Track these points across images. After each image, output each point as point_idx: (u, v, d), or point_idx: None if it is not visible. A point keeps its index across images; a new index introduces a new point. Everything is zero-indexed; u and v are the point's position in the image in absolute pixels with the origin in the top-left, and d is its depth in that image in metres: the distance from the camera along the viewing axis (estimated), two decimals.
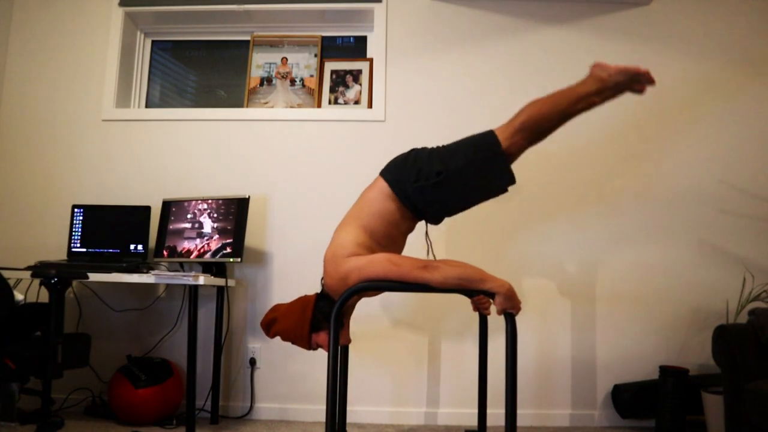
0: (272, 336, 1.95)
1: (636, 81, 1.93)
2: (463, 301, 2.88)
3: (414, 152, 1.93)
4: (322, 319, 1.90)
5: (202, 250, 2.73)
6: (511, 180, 1.90)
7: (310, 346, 1.94)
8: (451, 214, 1.98)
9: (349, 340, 2.14)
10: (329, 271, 1.87)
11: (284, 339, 1.94)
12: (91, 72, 3.17)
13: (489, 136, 1.88)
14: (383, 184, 1.91)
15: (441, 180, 1.83)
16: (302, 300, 1.95)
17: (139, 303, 2.97)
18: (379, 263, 1.79)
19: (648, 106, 3.00)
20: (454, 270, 1.78)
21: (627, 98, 3.02)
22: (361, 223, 1.88)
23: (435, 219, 1.99)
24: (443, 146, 1.93)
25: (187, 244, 2.77)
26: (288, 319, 1.91)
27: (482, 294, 1.78)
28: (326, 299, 1.92)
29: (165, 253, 2.80)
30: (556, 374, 2.85)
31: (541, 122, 1.87)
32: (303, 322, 1.89)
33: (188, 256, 2.75)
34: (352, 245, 1.85)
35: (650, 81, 1.93)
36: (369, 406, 2.85)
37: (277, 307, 1.97)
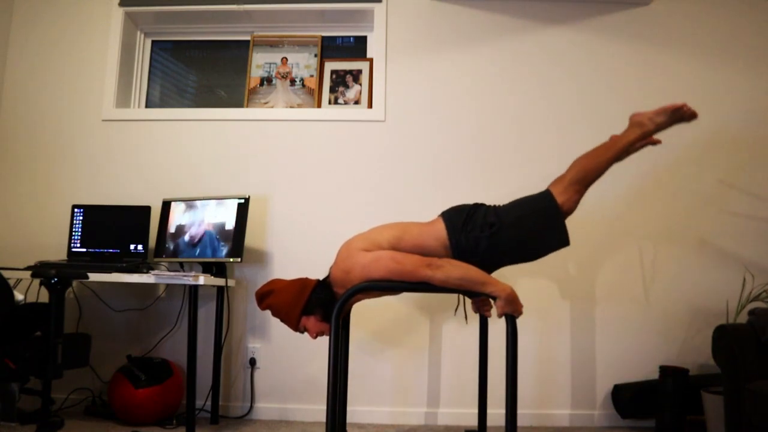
0: (263, 308, 1.97)
1: (678, 117, 2.02)
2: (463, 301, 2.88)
3: (478, 206, 1.96)
4: (316, 305, 1.92)
5: (200, 243, 2.73)
6: (566, 240, 1.92)
7: (297, 327, 1.95)
8: (495, 268, 1.97)
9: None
10: (338, 260, 1.91)
11: (274, 314, 1.96)
12: (91, 72, 3.17)
13: (546, 193, 1.95)
14: (441, 227, 1.91)
15: (493, 232, 1.85)
16: (302, 281, 1.96)
17: (139, 303, 2.97)
18: (383, 262, 1.81)
19: (647, 105, 3.00)
20: (456, 270, 1.79)
21: (626, 98, 3.02)
22: (399, 244, 1.89)
23: (484, 267, 1.96)
24: (505, 204, 1.97)
25: (188, 239, 2.77)
26: (283, 295, 1.93)
27: (483, 296, 1.78)
28: (326, 288, 1.94)
29: (166, 249, 2.80)
30: (556, 374, 2.85)
31: (590, 175, 1.96)
32: (297, 302, 1.91)
33: (187, 247, 2.75)
34: (372, 244, 1.87)
35: (692, 115, 2.01)
36: (369, 406, 2.85)
37: (275, 281, 1.99)
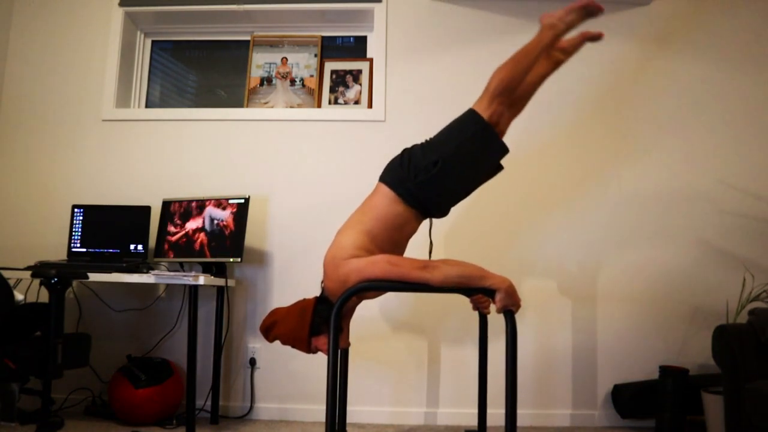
0: (271, 340, 1.95)
1: (588, 14, 2.04)
2: (463, 301, 2.87)
3: (407, 151, 1.95)
4: (321, 323, 1.89)
5: (199, 243, 2.73)
6: (503, 148, 1.94)
7: (309, 349, 1.93)
8: (457, 201, 2.00)
9: (349, 344, 2.13)
10: (329, 274, 1.87)
11: (284, 343, 1.93)
12: (91, 72, 3.17)
13: (470, 113, 1.93)
14: (385, 189, 1.91)
15: (439, 169, 1.84)
16: (301, 304, 1.94)
17: (139, 303, 2.97)
18: (379, 264, 1.79)
19: (647, 105, 3.00)
20: (454, 269, 1.78)
21: (626, 98, 3.02)
22: (364, 227, 1.89)
23: (442, 211, 1.99)
24: (432, 138, 1.96)
25: (188, 239, 2.77)
26: (287, 322, 1.91)
27: (482, 292, 1.78)
28: (326, 303, 1.92)
29: (166, 249, 2.80)
30: (556, 374, 2.85)
31: (512, 83, 1.93)
32: (302, 325, 1.89)
33: (187, 247, 2.75)
34: (353, 248, 1.85)
35: (598, 8, 2.03)
36: (369, 406, 2.85)
37: (275, 312, 1.96)
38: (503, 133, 2.00)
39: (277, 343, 2.90)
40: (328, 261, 1.88)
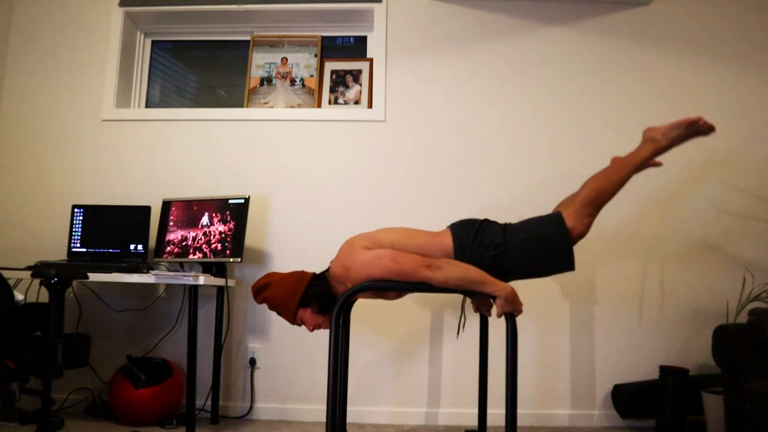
0: (259, 301, 1.96)
1: (693, 131, 1.93)
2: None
3: (486, 223, 1.94)
4: (312, 297, 1.92)
5: (199, 243, 2.73)
6: (571, 265, 1.88)
7: (294, 320, 1.95)
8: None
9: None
10: (340, 255, 1.91)
11: (270, 308, 1.95)
12: (91, 72, 3.17)
13: (556, 217, 1.89)
14: (449, 240, 1.90)
15: (498, 253, 1.83)
16: (299, 273, 1.96)
17: (139, 303, 2.97)
18: (383, 261, 1.80)
19: (647, 105, 3.00)
20: (456, 270, 1.79)
21: (626, 98, 3.02)
22: (402, 247, 1.88)
23: None
24: (515, 223, 1.93)
25: (188, 239, 2.77)
26: (280, 287, 1.92)
27: (483, 296, 1.78)
28: (323, 281, 1.94)
29: (166, 249, 2.80)
30: (555, 374, 2.85)
31: (603, 195, 1.90)
32: (294, 294, 1.90)
33: (187, 249, 2.75)
34: (374, 243, 1.87)
35: (709, 128, 1.92)
36: (369, 406, 2.84)
37: (271, 275, 1.98)
38: (581, 238, 1.91)
39: (277, 342, 2.89)
40: (347, 243, 1.91)
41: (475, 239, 1.87)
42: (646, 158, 1.95)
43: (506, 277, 1.91)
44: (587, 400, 2.83)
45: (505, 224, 1.94)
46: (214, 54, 3.41)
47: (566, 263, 1.87)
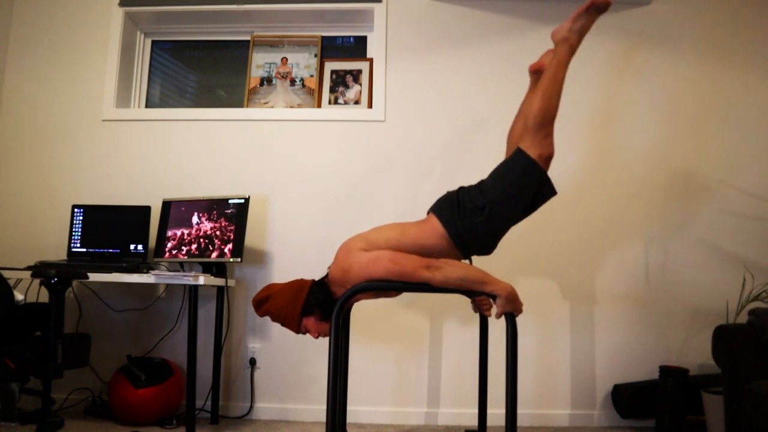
0: (261, 314, 1.94)
1: (594, 12, 1.93)
2: (463, 301, 2.87)
3: (460, 189, 1.94)
4: (314, 305, 1.90)
5: (199, 243, 2.73)
6: (552, 190, 1.91)
7: (298, 329, 1.94)
8: (500, 239, 1.97)
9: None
10: (338, 259, 1.89)
11: (273, 319, 1.93)
12: (91, 72, 3.16)
13: (517, 153, 1.90)
14: (436, 222, 1.90)
15: (486, 216, 1.84)
16: (298, 282, 1.95)
17: (139, 303, 2.97)
18: (382, 262, 1.79)
19: (647, 105, 3.00)
20: (456, 271, 1.78)
21: (625, 99, 3.02)
22: (398, 245, 1.87)
23: (487, 251, 1.97)
24: (485, 179, 1.94)
25: (188, 239, 2.77)
26: (281, 298, 1.91)
27: (484, 296, 1.78)
28: (323, 287, 1.93)
29: (166, 249, 2.80)
30: (555, 374, 2.85)
31: (549, 112, 1.91)
32: (296, 304, 1.89)
33: (187, 248, 2.75)
34: (370, 244, 1.86)
35: (605, 2, 1.91)
36: (369, 406, 2.84)
37: (271, 286, 1.97)
38: (550, 161, 1.93)
39: (277, 342, 2.90)
40: (343, 246, 1.90)
41: (459, 211, 1.87)
42: (567, 59, 1.95)
43: (503, 230, 1.93)
44: (587, 400, 2.83)
45: (479, 183, 1.94)
46: (214, 54, 3.41)
47: (549, 190, 1.91)
